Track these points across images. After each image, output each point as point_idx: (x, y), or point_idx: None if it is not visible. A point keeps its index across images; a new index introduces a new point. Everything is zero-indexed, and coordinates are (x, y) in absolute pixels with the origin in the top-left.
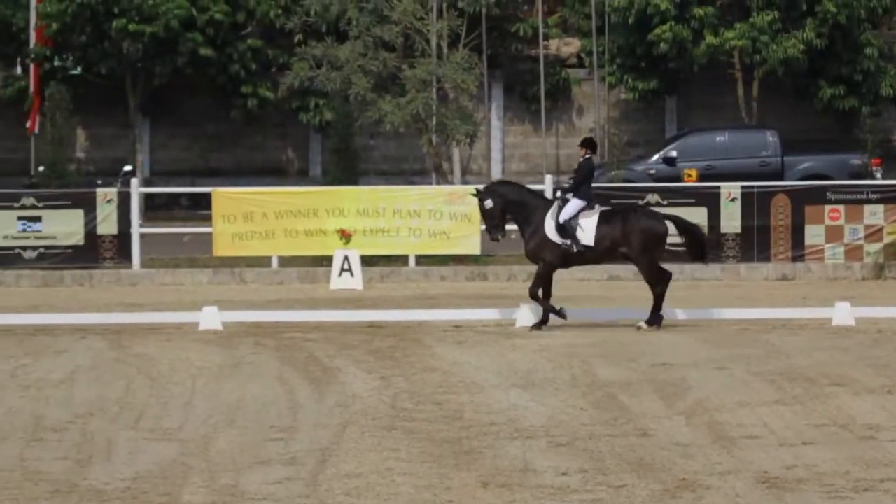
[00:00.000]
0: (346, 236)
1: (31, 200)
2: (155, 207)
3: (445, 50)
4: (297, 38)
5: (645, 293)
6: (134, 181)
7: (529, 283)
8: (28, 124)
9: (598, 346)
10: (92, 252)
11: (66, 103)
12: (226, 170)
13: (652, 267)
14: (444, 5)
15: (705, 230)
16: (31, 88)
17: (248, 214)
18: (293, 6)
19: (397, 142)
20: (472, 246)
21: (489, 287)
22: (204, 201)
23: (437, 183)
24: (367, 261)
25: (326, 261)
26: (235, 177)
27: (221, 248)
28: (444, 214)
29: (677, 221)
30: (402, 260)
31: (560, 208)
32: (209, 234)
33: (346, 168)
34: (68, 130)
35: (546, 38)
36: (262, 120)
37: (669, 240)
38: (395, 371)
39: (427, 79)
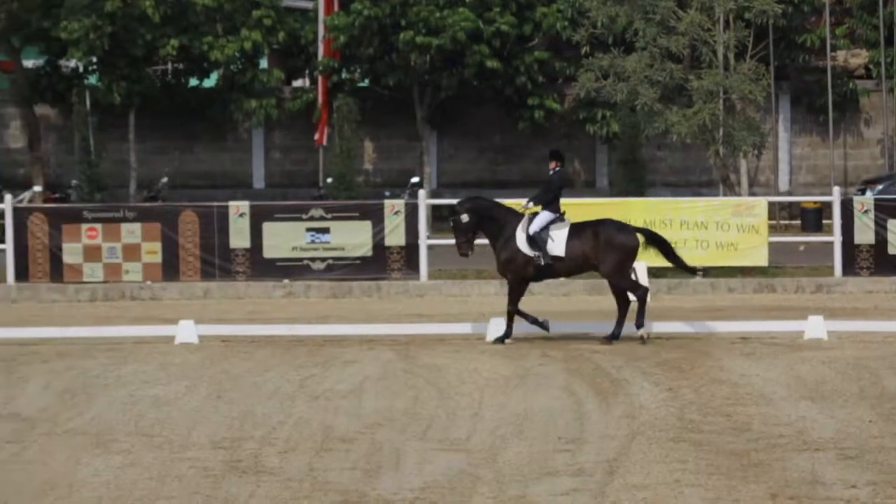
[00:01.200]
0: None
1: (319, 212)
2: (442, 219)
3: (732, 61)
4: (584, 49)
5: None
6: (421, 193)
7: (506, 300)
8: (316, 136)
9: (887, 358)
10: (380, 263)
11: (353, 115)
12: (512, 181)
13: (623, 279)
14: (731, 16)
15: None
16: (320, 101)
17: None
18: (580, 18)
19: (684, 153)
20: (760, 257)
21: (777, 299)
22: None
23: (725, 195)
24: (655, 272)
25: None
26: (522, 188)
27: None
28: (732, 226)
29: (647, 234)
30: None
31: (531, 221)
32: None
33: (633, 179)
34: (356, 142)
35: (834, 48)
36: (549, 131)
37: None
38: (682, 382)
39: (714, 90)
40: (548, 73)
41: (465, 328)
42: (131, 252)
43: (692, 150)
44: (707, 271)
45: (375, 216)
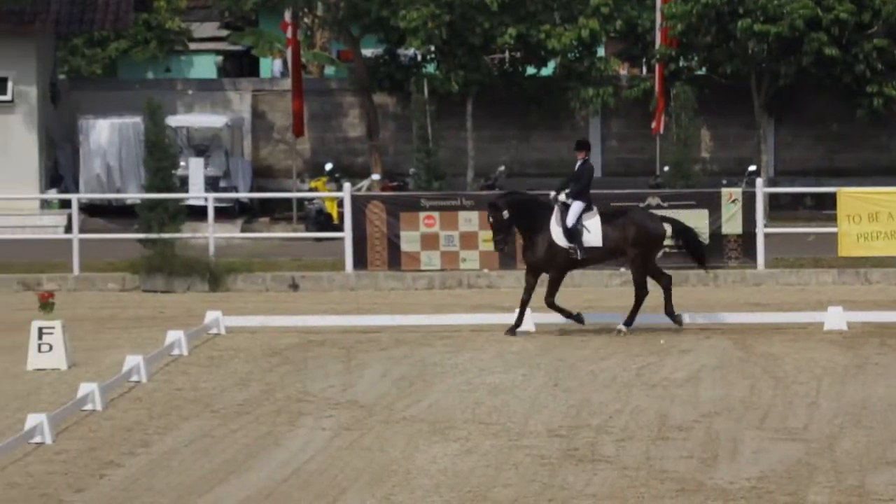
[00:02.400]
0: None
1: (656, 200)
2: (779, 207)
3: None
4: None
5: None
6: (759, 181)
7: (545, 294)
8: (653, 125)
9: None
10: (716, 251)
11: (691, 103)
12: (850, 169)
13: (648, 267)
14: None
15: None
16: (656, 89)
17: (873, 214)
18: None
19: None
20: None
21: None
22: (829, 201)
23: None
24: None
25: None
26: (860, 177)
27: (846, 248)
28: None
29: (675, 224)
30: None
31: (562, 213)
32: (833, 234)
33: None
34: (693, 131)
35: None
36: (888, 119)
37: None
38: None
39: None
40: (887, 61)
41: (802, 317)
42: (469, 240)
43: None
44: None
45: (712, 204)
